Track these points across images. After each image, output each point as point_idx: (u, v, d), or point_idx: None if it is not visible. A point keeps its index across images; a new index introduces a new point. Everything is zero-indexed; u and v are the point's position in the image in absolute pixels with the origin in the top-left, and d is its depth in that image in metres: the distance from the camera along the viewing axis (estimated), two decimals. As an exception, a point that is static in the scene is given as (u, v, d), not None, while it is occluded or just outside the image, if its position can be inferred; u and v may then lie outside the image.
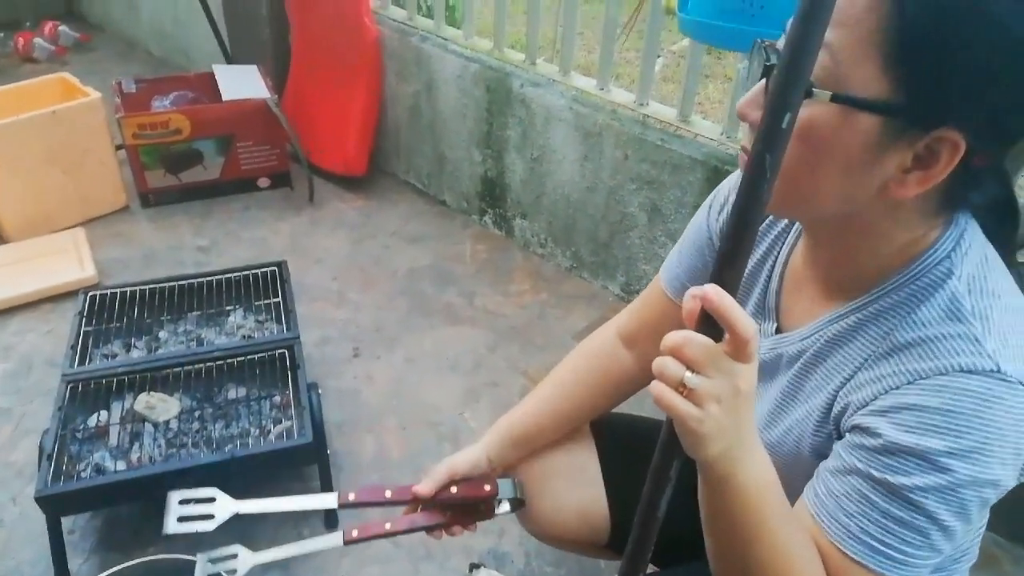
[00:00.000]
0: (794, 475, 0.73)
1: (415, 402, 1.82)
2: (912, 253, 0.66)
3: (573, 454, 1.05)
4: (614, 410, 1.10)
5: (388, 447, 1.70)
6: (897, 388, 0.63)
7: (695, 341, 0.57)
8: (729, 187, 0.89)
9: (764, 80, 0.62)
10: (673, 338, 0.58)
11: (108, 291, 1.79)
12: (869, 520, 0.64)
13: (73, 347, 1.62)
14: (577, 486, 1.04)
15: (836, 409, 0.69)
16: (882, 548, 0.63)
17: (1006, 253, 0.69)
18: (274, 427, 1.53)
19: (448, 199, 2.56)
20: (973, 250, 0.66)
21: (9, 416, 1.75)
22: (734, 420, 0.58)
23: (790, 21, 0.52)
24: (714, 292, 0.55)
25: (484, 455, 0.99)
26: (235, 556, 1.00)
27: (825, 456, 0.70)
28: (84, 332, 1.67)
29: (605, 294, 2.19)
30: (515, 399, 1.81)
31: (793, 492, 0.76)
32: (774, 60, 0.61)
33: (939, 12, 0.55)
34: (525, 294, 2.19)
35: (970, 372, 0.60)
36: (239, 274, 1.86)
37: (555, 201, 2.20)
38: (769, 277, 0.81)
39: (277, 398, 1.58)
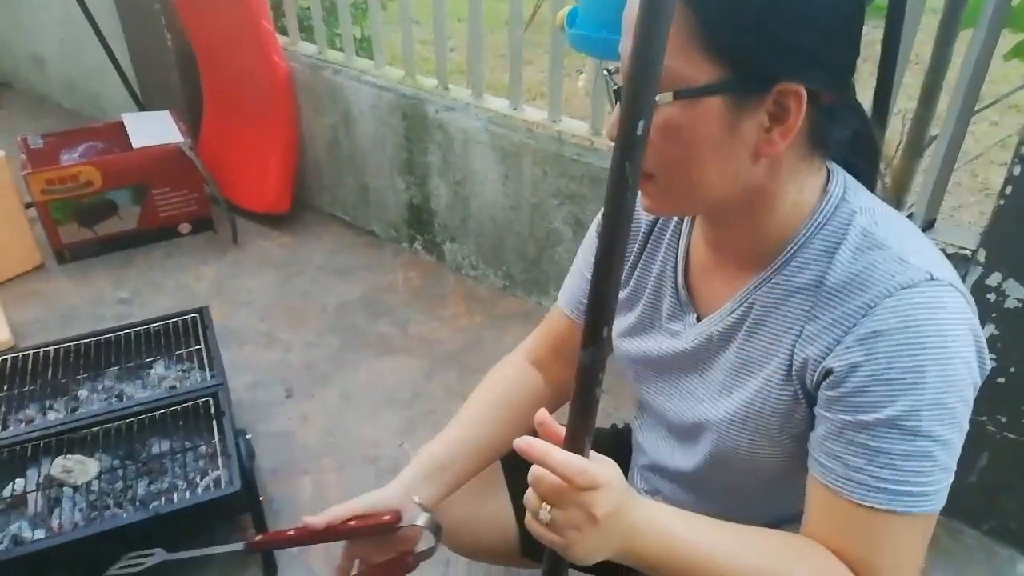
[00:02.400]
0: (767, 456, 0.76)
1: (352, 439, 1.79)
2: (808, 204, 0.71)
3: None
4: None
5: (326, 488, 1.66)
6: (853, 326, 0.66)
7: (544, 479, 0.63)
8: None
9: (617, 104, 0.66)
10: (532, 473, 0.64)
11: (21, 353, 1.71)
12: (878, 466, 0.65)
13: (-17, 414, 1.55)
14: (481, 498, 1.04)
15: (796, 365, 0.70)
16: (901, 488, 0.65)
17: (870, 186, 0.76)
18: (201, 479, 1.48)
19: (376, 229, 2.54)
20: (853, 186, 0.72)
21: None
22: (606, 537, 0.64)
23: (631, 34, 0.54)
24: (524, 444, 0.64)
25: (399, 491, 0.91)
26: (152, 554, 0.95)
27: (792, 425, 0.73)
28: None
29: (540, 310, 2.19)
30: (453, 425, 1.79)
31: (767, 474, 0.78)
32: (619, 83, 0.67)
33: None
34: (460, 317, 2.18)
35: (911, 287, 0.64)
36: (159, 324, 1.80)
37: (481, 222, 2.21)
38: (675, 274, 0.83)
39: (203, 448, 1.53)
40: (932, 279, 0.64)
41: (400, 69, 2.27)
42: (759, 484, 0.81)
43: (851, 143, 0.72)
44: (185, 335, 1.79)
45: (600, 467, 0.64)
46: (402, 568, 0.89)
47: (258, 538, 0.92)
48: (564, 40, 1.88)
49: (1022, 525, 1.47)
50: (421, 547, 0.91)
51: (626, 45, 0.63)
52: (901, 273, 0.65)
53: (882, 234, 0.68)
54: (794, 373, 0.71)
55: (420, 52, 2.23)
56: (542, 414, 0.67)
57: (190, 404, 1.57)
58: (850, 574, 0.67)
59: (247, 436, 1.49)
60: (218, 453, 1.50)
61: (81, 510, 1.42)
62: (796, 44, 0.62)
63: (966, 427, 0.66)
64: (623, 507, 0.64)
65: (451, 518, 1.01)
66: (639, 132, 0.54)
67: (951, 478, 0.67)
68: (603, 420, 1.65)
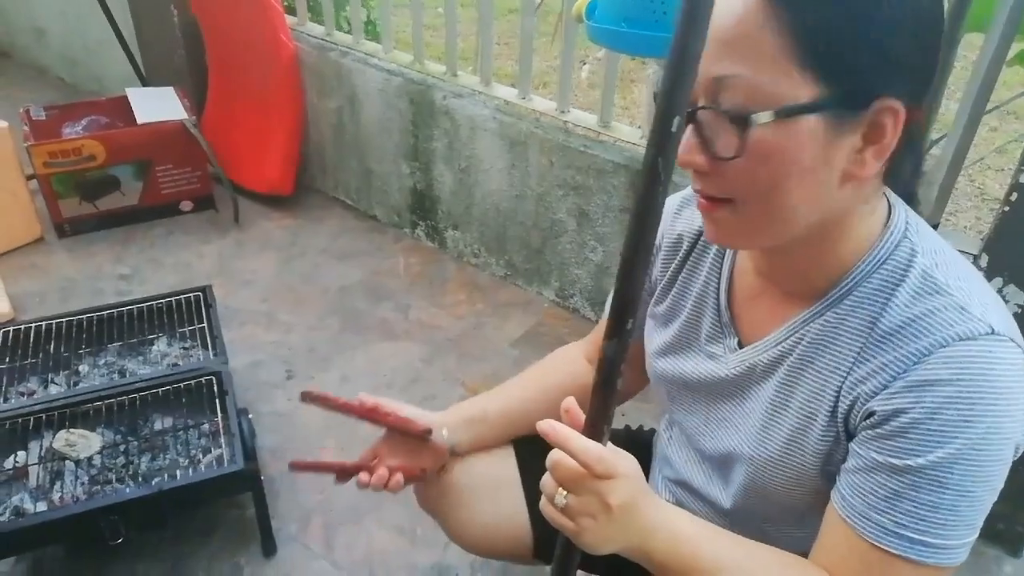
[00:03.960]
0: (801, 493, 0.74)
1: (352, 422, 1.78)
2: (869, 237, 0.67)
3: (493, 466, 1.06)
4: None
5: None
6: (904, 372, 0.63)
7: (563, 464, 0.64)
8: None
9: (690, 126, 0.63)
10: (551, 457, 0.65)
11: (23, 326, 1.71)
12: (901, 512, 0.63)
13: (-16, 386, 1.55)
14: (497, 498, 1.04)
15: (843, 407, 0.68)
16: (920, 537, 0.63)
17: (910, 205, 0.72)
18: (203, 456, 1.49)
19: (378, 213, 2.54)
20: (915, 222, 0.69)
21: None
22: (618, 527, 0.65)
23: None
24: (548, 427, 0.64)
25: (439, 419, 1.01)
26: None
27: (831, 465, 0.71)
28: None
29: (540, 300, 2.20)
30: (453, 411, 1.80)
31: (800, 508, 0.76)
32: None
33: (826, 4, 0.57)
34: (461, 305, 2.19)
35: (970, 339, 0.61)
36: (162, 301, 1.80)
37: (485, 210, 2.21)
38: (717, 295, 0.81)
39: (206, 426, 1.54)
40: (992, 333, 0.62)
41: (408, 53, 2.27)
42: (792, 515, 0.80)
43: (911, 169, 0.69)
44: (188, 313, 1.79)
45: (619, 458, 0.65)
46: (411, 476, 0.99)
47: (315, 393, 0.98)
48: (576, 31, 1.88)
49: (1009, 526, 1.49)
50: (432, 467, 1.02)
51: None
52: (960, 323, 0.62)
53: (943, 279, 0.65)
54: (839, 415, 0.69)
55: (425, 37, 2.22)
56: (569, 401, 0.68)
57: (193, 382, 1.58)
58: None
59: (249, 416, 1.50)
60: (220, 431, 1.51)
61: (83, 484, 1.43)
62: (895, 53, 0.58)
63: (999, 487, 0.64)
64: (639, 501, 0.65)
65: (466, 516, 1.05)
66: (674, 128, 0.55)
67: (975, 535, 0.65)
68: (615, 421, 1.66)
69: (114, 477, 1.44)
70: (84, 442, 1.43)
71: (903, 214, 0.68)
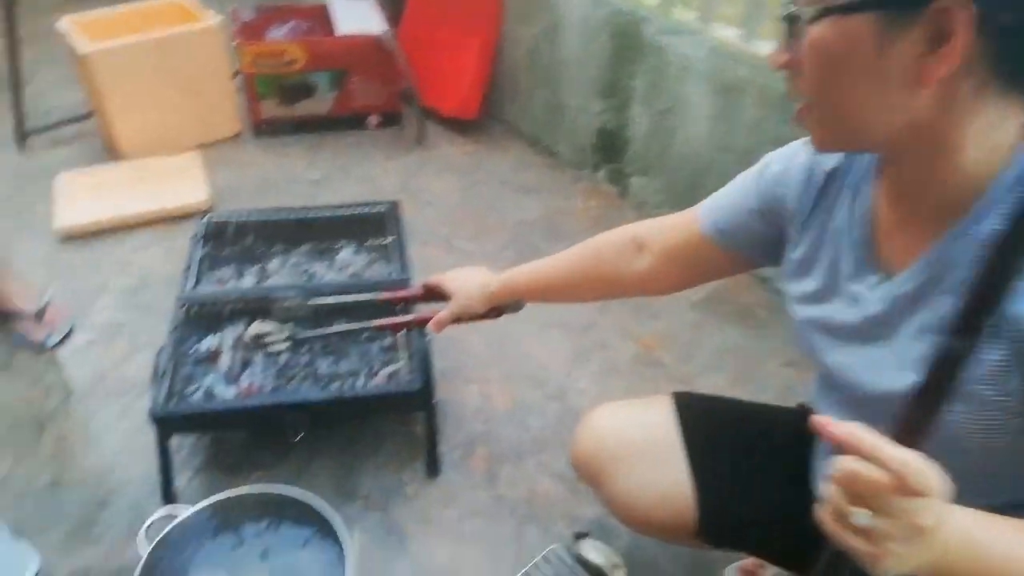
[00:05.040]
0: (978, 428, 0.66)
1: (520, 356, 1.75)
2: (1003, 151, 0.62)
3: (654, 434, 1.02)
4: (696, 391, 1.11)
5: (492, 399, 1.65)
6: None
7: (864, 476, 0.54)
8: (778, 157, 0.87)
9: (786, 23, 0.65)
10: (847, 467, 0.55)
11: (224, 218, 1.77)
12: None
13: (188, 270, 1.61)
14: (658, 467, 1.01)
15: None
16: None
17: None
18: (381, 369, 1.49)
19: (561, 150, 2.45)
20: None
21: (124, 331, 1.78)
22: (922, 552, 0.56)
23: None
24: (848, 431, 0.55)
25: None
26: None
27: (1011, 398, 0.63)
28: (201, 256, 1.67)
29: (723, 263, 2.06)
30: (628, 366, 1.72)
31: (986, 452, 0.67)
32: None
33: None
34: (637, 256, 2.08)
35: None
36: (351, 211, 1.81)
37: (681, 160, 2.07)
38: (855, 232, 0.77)
39: (387, 340, 1.54)
40: None
41: (622, -17, 2.13)
42: (978, 462, 0.69)
43: None
44: (375, 226, 1.79)
45: (932, 470, 0.54)
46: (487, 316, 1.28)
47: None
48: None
49: None
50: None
51: None
52: None
53: None
54: (1002, 332, 0.61)
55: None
56: (821, 420, 0.57)
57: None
58: None
59: (427, 336, 1.48)
60: (399, 347, 1.51)
61: (269, 376, 1.46)
62: None
63: None
64: (943, 517, 0.55)
65: (624, 487, 1.01)
66: None
67: None
68: (784, 396, 1.53)
69: (298, 375, 1.47)
70: (274, 336, 1.46)
71: None
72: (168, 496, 1.39)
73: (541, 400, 1.65)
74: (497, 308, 1.29)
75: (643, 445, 1.02)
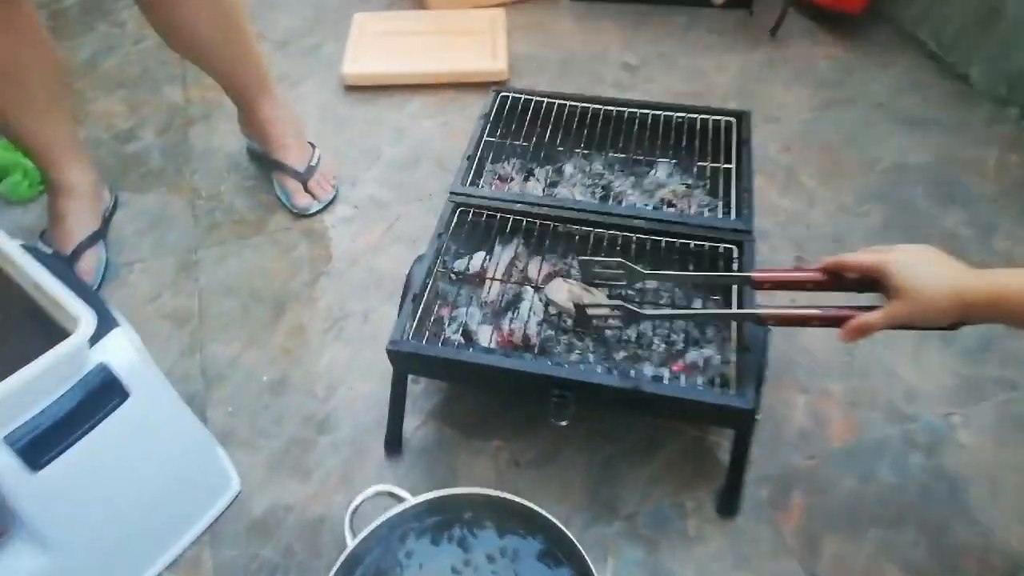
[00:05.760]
0: None
1: (880, 372, 1.23)
2: None
3: None
4: None
5: (827, 423, 1.16)
6: None
7: None
8: None
9: None
10: None
11: (519, 96, 1.39)
12: None
13: (470, 158, 1.27)
14: None
15: None
16: None
17: None
18: (687, 352, 1.07)
19: (974, 74, 1.74)
20: None
21: (386, 212, 1.52)
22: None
23: None
24: None
25: None
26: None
27: None
28: (485, 142, 1.32)
29: None
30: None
31: None
32: None
33: None
34: (1069, 250, 1.41)
35: None
36: (678, 114, 1.34)
37: None
38: None
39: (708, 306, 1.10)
40: None
41: None
42: None
43: None
44: (709, 142, 1.31)
45: None
46: None
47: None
48: None
49: None
50: None
51: None
52: None
53: None
54: None
55: None
56: None
57: (702, 246, 1.13)
58: None
59: (768, 330, 1.02)
60: (720, 337, 1.07)
61: (539, 327, 1.10)
62: None
63: None
64: None
65: None
66: None
67: None
68: None
69: (576, 341, 1.09)
70: (598, 307, 1.06)
71: None
72: (392, 446, 1.12)
73: (899, 443, 1.13)
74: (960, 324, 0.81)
75: None
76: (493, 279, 1.16)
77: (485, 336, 1.09)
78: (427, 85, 1.78)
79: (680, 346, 1.08)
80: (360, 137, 1.68)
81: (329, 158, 1.58)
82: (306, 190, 1.51)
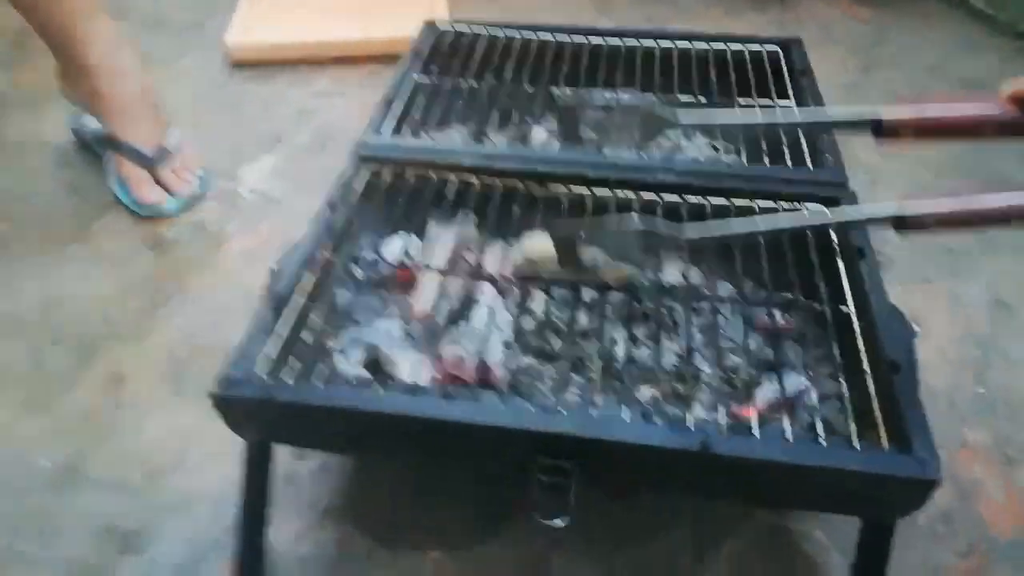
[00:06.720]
0: None
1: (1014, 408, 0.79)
2: None
3: None
4: None
5: (974, 494, 0.71)
6: None
7: None
8: None
9: None
10: None
11: (458, 29, 0.97)
12: None
13: (389, 102, 0.82)
14: None
15: None
16: None
17: None
18: (767, 380, 0.61)
19: (1036, 33, 1.39)
20: None
21: (276, 209, 1.05)
22: None
23: None
24: None
25: None
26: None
27: None
28: (416, 84, 0.87)
29: None
30: None
31: None
32: None
33: None
34: None
35: None
36: (704, 45, 0.93)
37: None
38: None
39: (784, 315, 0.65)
40: None
41: None
42: None
43: None
44: (756, 77, 0.90)
45: None
46: None
47: None
48: None
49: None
50: None
51: None
52: None
53: None
54: None
55: None
56: None
57: (780, 206, 0.69)
58: None
59: (915, 333, 0.57)
60: (835, 355, 0.61)
61: (506, 348, 0.64)
62: None
63: None
64: None
65: None
66: None
67: None
68: None
69: (570, 359, 0.63)
70: (543, 255, 0.61)
71: None
72: (248, 571, 0.62)
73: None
74: None
75: None
76: (424, 275, 0.69)
77: (409, 368, 0.62)
78: (341, 59, 1.34)
79: (743, 374, 0.62)
80: (250, 120, 1.23)
81: (198, 144, 1.11)
82: (157, 181, 1.04)
